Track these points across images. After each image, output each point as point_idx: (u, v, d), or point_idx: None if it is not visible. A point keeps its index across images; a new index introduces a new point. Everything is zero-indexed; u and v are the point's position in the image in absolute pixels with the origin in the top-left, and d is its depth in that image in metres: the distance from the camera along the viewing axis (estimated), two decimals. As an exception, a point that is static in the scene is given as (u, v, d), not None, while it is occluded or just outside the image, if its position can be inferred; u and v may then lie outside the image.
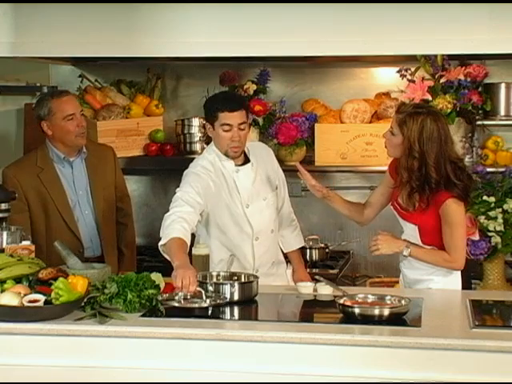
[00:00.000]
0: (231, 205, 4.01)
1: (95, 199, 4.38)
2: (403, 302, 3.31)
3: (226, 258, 3.99)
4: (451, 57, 4.97)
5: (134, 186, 5.67)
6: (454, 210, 3.70)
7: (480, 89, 5.03)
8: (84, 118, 4.42)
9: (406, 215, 3.83)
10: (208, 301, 3.35)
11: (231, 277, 3.72)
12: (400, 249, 3.80)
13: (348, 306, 3.29)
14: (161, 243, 3.67)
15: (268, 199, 4.10)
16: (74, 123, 4.27)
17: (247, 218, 4.03)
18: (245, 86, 5.29)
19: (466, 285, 3.99)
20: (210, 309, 3.37)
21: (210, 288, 3.51)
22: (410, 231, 3.83)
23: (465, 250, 3.81)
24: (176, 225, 3.67)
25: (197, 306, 3.31)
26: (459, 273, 3.86)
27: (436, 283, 3.83)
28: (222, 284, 3.55)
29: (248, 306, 3.54)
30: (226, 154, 3.97)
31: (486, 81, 5.07)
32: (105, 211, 4.41)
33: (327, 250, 5.06)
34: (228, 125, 3.89)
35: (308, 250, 4.99)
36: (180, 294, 3.37)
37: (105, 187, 4.43)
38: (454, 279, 3.84)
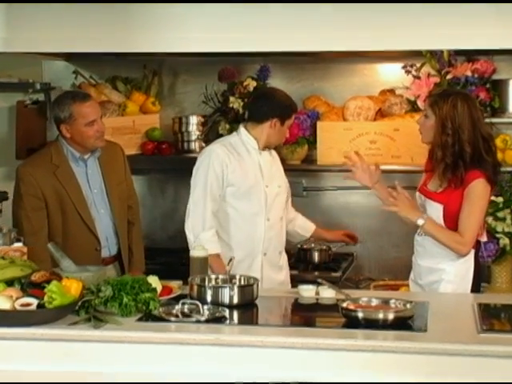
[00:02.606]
0: (254, 179, 4.33)
1: (110, 197, 4.39)
2: (408, 305, 3.29)
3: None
4: (458, 52, 4.94)
5: (131, 185, 5.63)
6: (480, 190, 3.81)
7: (488, 85, 4.99)
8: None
9: (433, 194, 3.91)
10: (206, 314, 3.30)
11: (230, 280, 3.68)
12: (415, 218, 3.84)
13: (351, 310, 3.26)
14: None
15: (281, 187, 4.46)
16: (95, 128, 4.25)
17: (266, 195, 4.34)
18: (244, 83, 5.25)
19: (476, 288, 3.99)
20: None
21: (209, 291, 3.49)
22: (435, 212, 3.87)
23: (475, 238, 3.87)
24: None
25: (194, 319, 3.26)
26: (472, 269, 3.89)
27: (448, 274, 3.88)
28: (221, 287, 3.53)
29: (248, 310, 3.51)
30: (276, 147, 4.53)
31: (494, 77, 5.03)
32: (119, 209, 4.44)
33: (330, 252, 5.01)
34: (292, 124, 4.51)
35: (310, 252, 4.94)
36: (177, 307, 3.35)
37: (118, 184, 4.45)
38: (466, 274, 3.89)
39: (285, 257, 4.51)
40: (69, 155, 4.31)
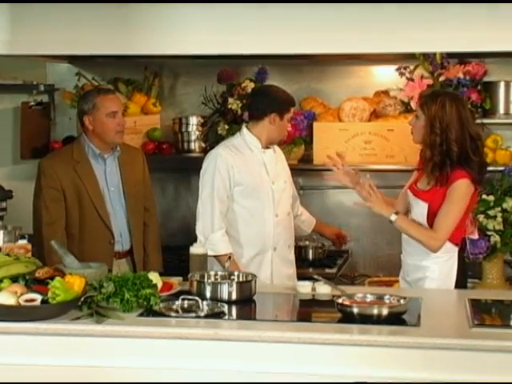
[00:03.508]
0: (259, 177, 4.38)
1: (126, 196, 4.48)
2: (402, 301, 3.30)
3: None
4: (450, 55, 4.98)
5: (132, 184, 5.65)
6: (462, 190, 3.83)
7: (479, 87, 5.04)
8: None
9: (419, 193, 3.94)
10: (205, 310, 3.32)
11: (229, 276, 3.71)
12: (387, 214, 3.89)
13: (346, 306, 3.28)
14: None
15: (287, 183, 4.52)
16: (116, 121, 4.37)
17: (273, 192, 4.39)
18: (243, 85, 5.29)
19: (463, 284, 4.01)
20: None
21: (208, 287, 3.51)
22: (420, 209, 3.91)
23: (449, 235, 3.88)
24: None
25: (194, 315, 3.29)
26: (455, 266, 3.93)
27: (432, 271, 3.92)
28: (220, 283, 3.56)
29: (246, 306, 3.53)
30: (279, 143, 4.54)
31: (485, 79, 5.08)
32: (134, 209, 4.51)
33: (324, 249, 5.05)
34: (291, 118, 4.53)
35: (305, 249, 5.00)
36: (177, 302, 3.37)
37: (135, 185, 4.53)
38: (450, 271, 3.93)
39: (293, 251, 4.58)
40: (89, 152, 4.42)
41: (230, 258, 3.87)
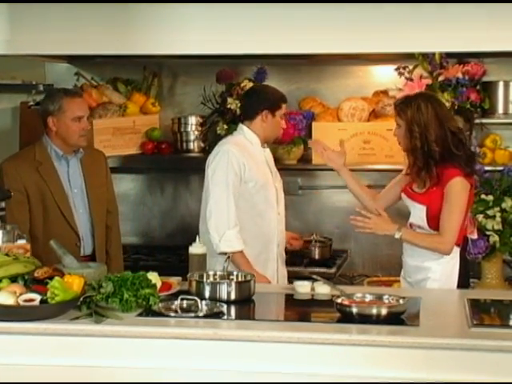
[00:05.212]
0: (265, 174, 4.41)
1: (90, 198, 4.43)
2: (401, 301, 3.30)
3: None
4: (449, 55, 4.99)
5: (131, 184, 5.67)
6: (458, 189, 3.83)
7: (478, 87, 5.05)
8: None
9: (415, 196, 3.94)
10: (204, 310, 3.32)
11: (228, 276, 3.70)
12: (391, 232, 3.89)
13: (345, 306, 3.28)
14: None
15: (281, 183, 4.54)
16: (81, 126, 4.32)
17: (276, 189, 4.43)
18: (242, 84, 5.28)
19: (465, 283, 4.01)
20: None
21: (207, 287, 3.51)
22: (418, 212, 3.92)
23: (456, 236, 3.88)
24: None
25: (193, 315, 3.29)
26: (457, 266, 3.93)
27: (434, 272, 3.92)
28: (219, 283, 3.55)
29: (245, 306, 3.52)
30: (274, 140, 4.61)
31: (484, 79, 5.08)
32: (98, 212, 4.46)
33: (328, 249, 5.03)
34: (284, 114, 4.51)
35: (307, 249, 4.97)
36: (176, 302, 3.36)
37: (98, 188, 4.48)
38: (452, 272, 3.93)
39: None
40: (52, 153, 4.36)
41: (228, 257, 3.86)
